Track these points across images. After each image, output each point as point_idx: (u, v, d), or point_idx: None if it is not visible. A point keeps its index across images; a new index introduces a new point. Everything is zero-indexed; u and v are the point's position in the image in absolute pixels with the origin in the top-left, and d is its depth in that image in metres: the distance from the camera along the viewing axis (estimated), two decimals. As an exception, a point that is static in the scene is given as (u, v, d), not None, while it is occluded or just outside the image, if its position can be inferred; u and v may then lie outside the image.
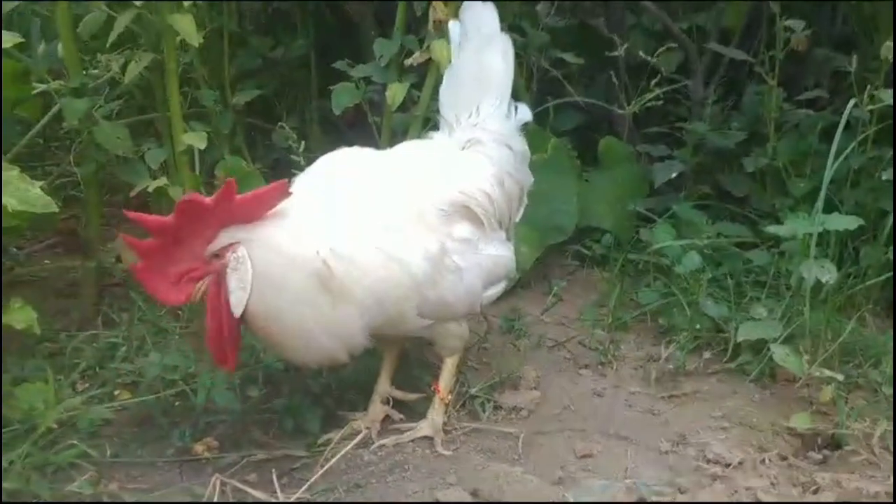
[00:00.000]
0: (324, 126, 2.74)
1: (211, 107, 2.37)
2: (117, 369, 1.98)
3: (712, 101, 2.59)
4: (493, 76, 1.92)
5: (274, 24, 2.80)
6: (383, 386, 1.88)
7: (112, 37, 1.99)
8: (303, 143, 2.09)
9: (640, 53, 2.48)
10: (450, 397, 1.86)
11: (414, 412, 1.88)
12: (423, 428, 1.82)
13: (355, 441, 1.78)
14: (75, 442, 1.72)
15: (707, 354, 2.13)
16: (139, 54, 2.05)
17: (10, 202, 1.75)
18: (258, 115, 2.72)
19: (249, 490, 1.64)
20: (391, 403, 1.88)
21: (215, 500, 1.61)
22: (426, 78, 2.17)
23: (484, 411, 1.94)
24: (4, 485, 1.53)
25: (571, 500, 1.66)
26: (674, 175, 2.52)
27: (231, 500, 1.63)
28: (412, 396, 1.90)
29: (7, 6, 2.21)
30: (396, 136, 2.24)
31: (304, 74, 2.75)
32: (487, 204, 1.80)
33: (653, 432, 1.89)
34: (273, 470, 1.70)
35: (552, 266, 2.54)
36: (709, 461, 1.78)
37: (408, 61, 2.11)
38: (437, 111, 1.95)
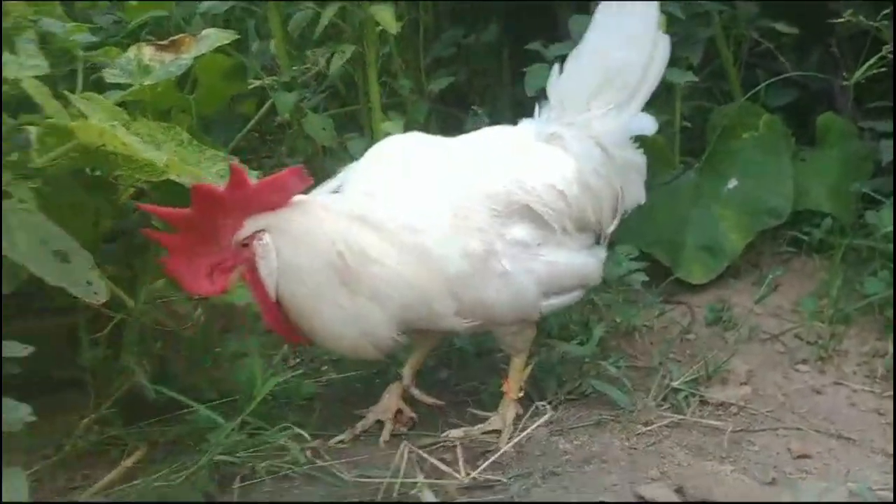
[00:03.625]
0: (516, 110, 2.71)
1: (407, 95, 2.43)
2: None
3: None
4: (625, 70, 1.73)
5: (466, 10, 2.82)
6: (406, 378, 1.81)
7: (318, 31, 2.09)
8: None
9: (863, 18, 2.24)
10: (521, 394, 1.75)
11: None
12: (495, 421, 1.75)
13: (539, 423, 1.74)
14: (286, 415, 1.82)
15: (944, 351, 1.90)
16: (343, 47, 2.14)
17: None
18: (452, 103, 2.75)
19: (444, 468, 1.65)
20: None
21: (402, 469, 1.62)
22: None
23: (688, 406, 1.84)
24: (219, 457, 1.63)
25: (788, 501, 1.53)
26: (903, 152, 2.26)
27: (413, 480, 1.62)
28: (429, 400, 1.80)
29: (223, 6, 2.39)
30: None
31: (495, 60, 2.75)
32: (558, 203, 1.65)
33: (878, 433, 1.73)
34: (461, 450, 1.70)
35: (764, 253, 2.37)
36: (947, 468, 1.58)
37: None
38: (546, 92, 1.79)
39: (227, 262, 1.54)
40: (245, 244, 1.54)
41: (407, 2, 2.43)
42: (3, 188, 1.28)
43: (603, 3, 1.77)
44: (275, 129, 2.87)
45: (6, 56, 1.52)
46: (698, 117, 2.44)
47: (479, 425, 1.76)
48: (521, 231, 1.62)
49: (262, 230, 1.53)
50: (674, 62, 2.22)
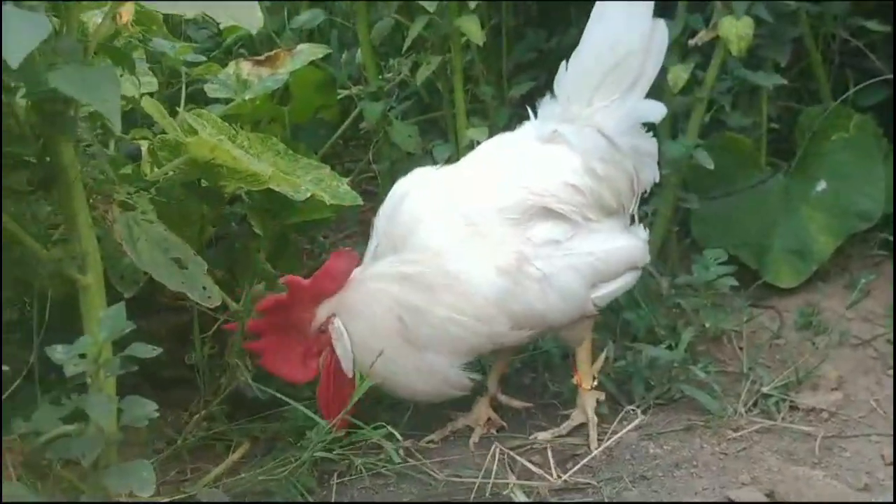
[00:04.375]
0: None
1: (489, 101, 2.47)
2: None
3: None
4: (624, 62, 1.73)
5: (547, 15, 2.84)
6: (491, 388, 1.84)
7: (407, 43, 2.15)
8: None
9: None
10: (594, 382, 1.78)
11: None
12: (576, 416, 1.78)
13: (628, 428, 1.76)
14: (378, 414, 1.88)
15: None
16: (428, 57, 2.19)
17: (323, 196, 1.96)
18: (534, 108, 2.77)
19: (535, 469, 1.68)
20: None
21: (494, 470, 1.67)
22: (712, 58, 2.07)
23: (779, 411, 1.83)
24: (318, 453, 1.69)
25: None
26: None
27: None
28: (517, 403, 1.85)
29: (316, 21, 2.49)
30: (678, 121, 2.17)
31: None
32: (574, 197, 1.68)
33: (981, 443, 1.67)
34: (555, 453, 1.74)
35: (853, 256, 2.32)
36: None
37: (692, 41, 2.04)
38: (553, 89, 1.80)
39: (314, 349, 1.70)
40: (323, 330, 1.69)
41: (489, 5, 2.45)
42: (126, 200, 1.37)
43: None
44: (360, 136, 2.96)
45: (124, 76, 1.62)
46: (786, 118, 2.41)
47: (565, 424, 1.80)
48: (546, 230, 1.65)
49: (332, 315, 1.67)
50: (759, 64, 2.21)
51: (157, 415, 1.31)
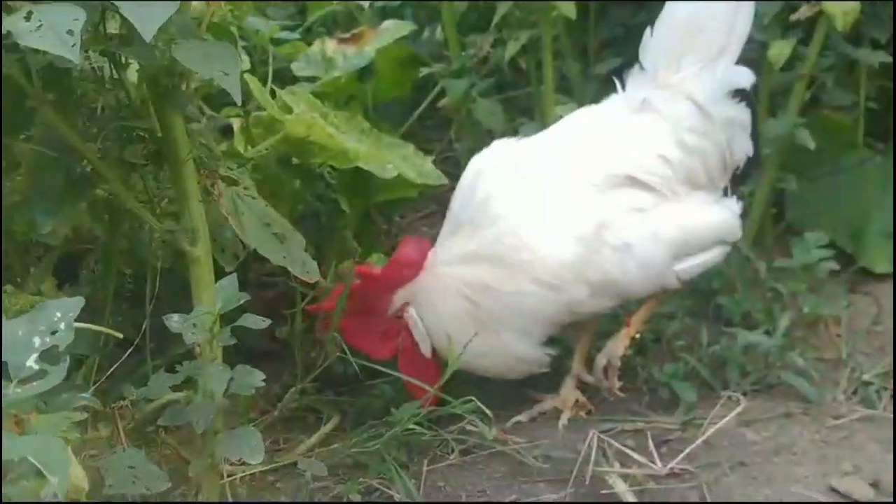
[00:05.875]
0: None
1: (575, 78, 2.42)
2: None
3: None
4: (708, 26, 1.68)
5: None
6: (576, 367, 1.79)
7: (496, 18, 2.12)
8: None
9: None
10: (637, 336, 1.73)
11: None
12: (601, 358, 1.72)
13: (732, 414, 1.71)
14: (464, 391, 1.87)
15: None
16: (516, 33, 2.16)
17: (409, 174, 1.95)
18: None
19: (631, 454, 1.66)
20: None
21: (592, 456, 1.64)
22: (814, 34, 2.00)
23: (880, 400, 1.77)
24: (396, 430, 1.68)
25: None
26: None
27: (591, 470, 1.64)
28: (607, 383, 1.76)
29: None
30: (776, 97, 2.11)
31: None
32: (663, 168, 1.63)
33: None
34: (650, 438, 1.70)
35: (955, 241, 2.22)
36: None
37: (794, 16, 1.96)
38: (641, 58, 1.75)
39: (392, 331, 1.73)
40: (399, 316, 1.71)
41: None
42: (230, 175, 1.39)
43: None
44: (435, 115, 2.94)
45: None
46: (882, 98, 2.31)
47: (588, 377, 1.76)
48: (629, 199, 1.61)
49: (407, 303, 1.69)
50: (859, 40, 2.12)
51: (264, 384, 1.32)
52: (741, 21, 1.71)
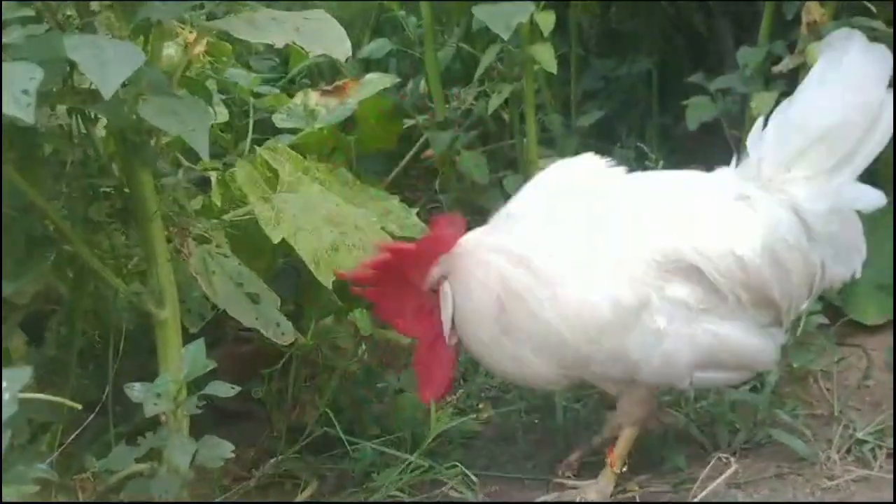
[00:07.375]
0: (664, 143, 2.66)
1: (556, 130, 2.42)
2: (481, 384, 2.06)
3: None
4: (836, 135, 1.52)
5: (616, 43, 2.79)
6: (595, 441, 1.74)
7: (479, 71, 2.12)
8: (660, 162, 2.05)
9: None
10: (624, 469, 1.62)
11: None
12: (590, 493, 1.62)
13: (722, 478, 1.67)
14: (449, 453, 1.81)
15: None
16: (499, 86, 2.16)
17: (393, 228, 1.92)
18: (601, 136, 2.72)
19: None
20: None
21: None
22: (797, 85, 1.99)
23: (875, 458, 1.71)
24: (377, 497, 1.65)
25: None
26: None
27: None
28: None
29: (384, 51, 2.47)
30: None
31: (644, 92, 2.70)
32: (734, 271, 1.47)
33: None
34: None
35: (948, 292, 2.19)
36: None
37: (776, 68, 1.97)
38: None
39: (427, 306, 1.60)
40: (435, 290, 1.58)
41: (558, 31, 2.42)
42: (202, 233, 1.35)
43: (826, 47, 1.55)
44: (420, 165, 2.93)
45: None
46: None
47: (575, 490, 1.64)
48: (683, 290, 1.48)
49: (444, 276, 1.57)
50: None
51: (232, 455, 1.27)
52: (880, 132, 1.53)
